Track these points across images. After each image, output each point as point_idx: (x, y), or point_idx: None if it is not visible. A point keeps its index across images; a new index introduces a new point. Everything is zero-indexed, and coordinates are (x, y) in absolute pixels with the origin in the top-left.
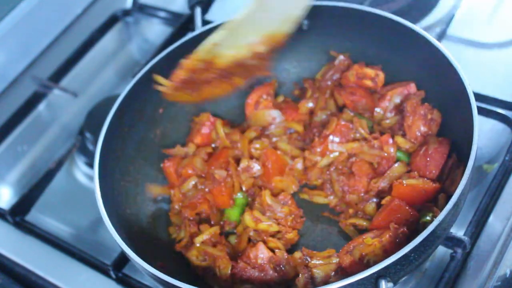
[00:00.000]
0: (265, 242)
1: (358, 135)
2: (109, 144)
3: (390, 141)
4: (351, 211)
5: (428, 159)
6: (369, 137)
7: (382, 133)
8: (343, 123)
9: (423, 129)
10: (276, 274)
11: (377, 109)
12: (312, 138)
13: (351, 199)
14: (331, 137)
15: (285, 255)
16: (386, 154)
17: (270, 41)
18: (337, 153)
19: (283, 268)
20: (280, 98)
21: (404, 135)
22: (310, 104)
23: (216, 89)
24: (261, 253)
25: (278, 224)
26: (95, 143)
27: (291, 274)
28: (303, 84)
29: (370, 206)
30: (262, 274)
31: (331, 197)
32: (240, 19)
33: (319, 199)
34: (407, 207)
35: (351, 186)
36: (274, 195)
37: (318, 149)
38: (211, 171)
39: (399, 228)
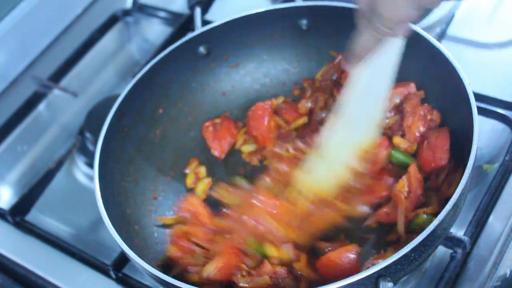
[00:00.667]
0: None
1: None
2: (109, 144)
3: (385, 144)
4: None
5: (433, 148)
6: None
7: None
8: None
9: (422, 129)
10: None
11: None
12: (312, 138)
13: None
14: None
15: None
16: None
17: (362, 155)
18: None
19: None
20: (280, 98)
21: (403, 135)
22: (310, 104)
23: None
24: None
25: None
26: (95, 143)
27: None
28: (303, 84)
29: None
30: None
31: None
32: (326, 141)
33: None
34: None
35: None
36: None
37: None
38: None
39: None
